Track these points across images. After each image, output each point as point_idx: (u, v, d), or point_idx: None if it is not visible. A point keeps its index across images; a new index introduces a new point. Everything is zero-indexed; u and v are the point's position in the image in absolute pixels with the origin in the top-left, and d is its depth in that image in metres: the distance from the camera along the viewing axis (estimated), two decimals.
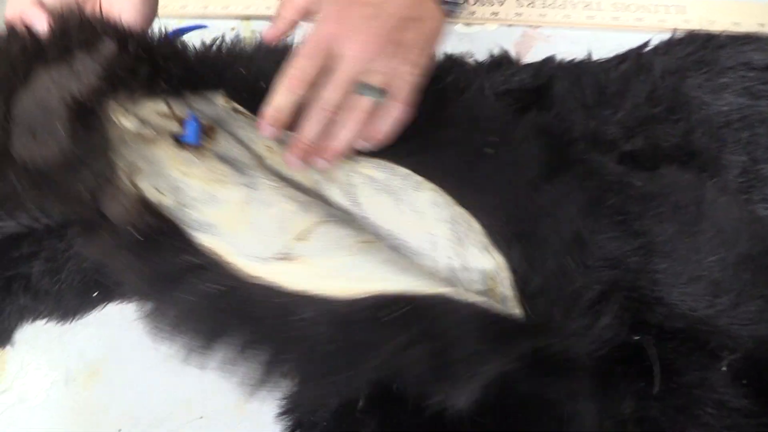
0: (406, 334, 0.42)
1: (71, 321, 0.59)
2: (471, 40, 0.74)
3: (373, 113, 0.47)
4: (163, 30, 0.52)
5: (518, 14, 0.75)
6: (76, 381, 0.57)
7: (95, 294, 0.58)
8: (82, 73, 0.43)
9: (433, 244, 0.47)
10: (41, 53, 0.44)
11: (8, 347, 0.59)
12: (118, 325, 0.59)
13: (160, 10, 0.79)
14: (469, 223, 0.48)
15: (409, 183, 0.49)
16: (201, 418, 0.52)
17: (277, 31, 0.50)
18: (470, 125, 0.53)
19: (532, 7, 0.76)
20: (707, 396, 0.47)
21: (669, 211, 0.53)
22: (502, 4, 0.76)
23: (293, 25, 0.50)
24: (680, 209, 0.53)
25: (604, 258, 0.50)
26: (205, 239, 0.45)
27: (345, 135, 0.47)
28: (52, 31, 0.45)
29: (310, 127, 0.46)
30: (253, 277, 0.44)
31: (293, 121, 0.47)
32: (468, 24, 0.76)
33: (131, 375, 0.56)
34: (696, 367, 0.48)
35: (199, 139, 0.47)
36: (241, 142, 0.50)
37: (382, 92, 0.47)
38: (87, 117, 0.43)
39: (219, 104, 0.50)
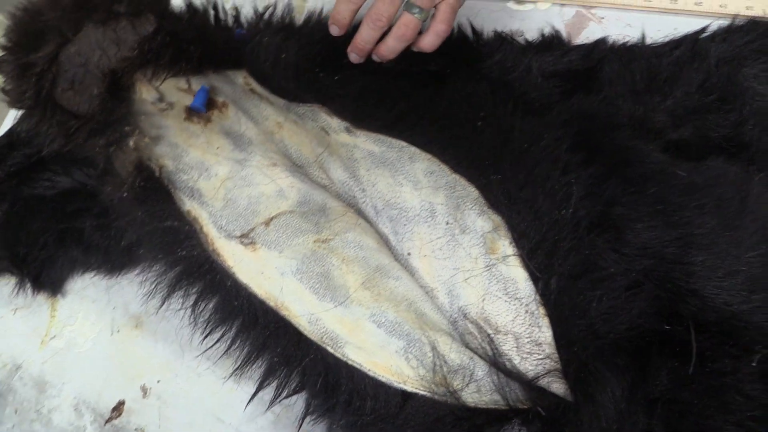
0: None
1: (118, 275, 0.63)
2: (522, 18, 0.73)
3: (417, 27, 0.56)
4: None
5: None
6: (121, 332, 0.60)
7: (141, 251, 0.61)
8: (123, 42, 0.48)
9: (431, 212, 0.48)
10: (92, 11, 0.47)
11: (59, 296, 0.63)
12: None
13: None
14: (465, 188, 0.49)
15: (405, 154, 0.50)
16: (239, 378, 0.54)
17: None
18: (462, 102, 0.55)
19: None
20: (737, 386, 0.46)
21: (711, 204, 0.52)
22: None
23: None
24: (724, 202, 0.52)
25: (640, 246, 0.50)
26: (191, 205, 0.49)
27: (392, 42, 0.56)
28: None
29: (366, 32, 0.56)
30: (215, 252, 0.48)
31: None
32: (520, 2, 0.75)
33: (171, 330, 0.59)
34: (727, 357, 0.47)
35: (204, 107, 0.51)
36: (252, 118, 0.53)
37: (425, 12, 0.55)
38: (117, 85, 0.49)
39: (238, 83, 0.53)
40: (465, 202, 0.47)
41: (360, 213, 0.49)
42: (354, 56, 0.58)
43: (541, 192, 0.46)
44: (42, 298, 0.63)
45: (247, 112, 0.52)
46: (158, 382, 0.57)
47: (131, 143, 0.49)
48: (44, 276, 0.62)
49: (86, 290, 0.63)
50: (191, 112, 0.51)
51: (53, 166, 0.61)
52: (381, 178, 0.49)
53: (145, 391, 0.57)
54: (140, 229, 0.50)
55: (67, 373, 0.59)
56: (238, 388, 0.56)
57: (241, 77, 0.53)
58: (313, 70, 0.55)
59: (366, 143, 0.50)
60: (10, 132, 0.66)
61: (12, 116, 0.77)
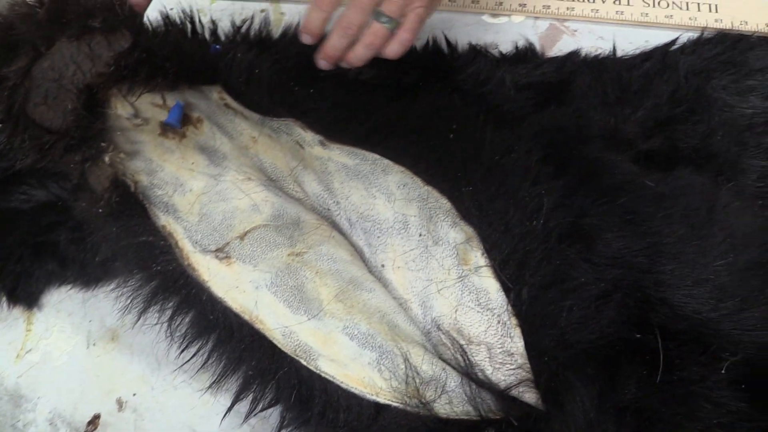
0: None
1: (94, 288, 0.62)
2: (497, 31, 0.74)
3: (386, 36, 0.57)
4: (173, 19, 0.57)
5: (546, 7, 0.75)
6: (97, 345, 0.60)
7: (116, 264, 0.61)
8: (98, 58, 0.47)
9: (405, 224, 0.49)
10: (66, 25, 0.47)
11: (35, 309, 0.63)
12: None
13: None
14: (437, 200, 0.49)
15: (378, 167, 0.51)
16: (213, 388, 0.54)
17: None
18: (434, 114, 0.56)
19: (561, 0, 0.75)
20: (705, 393, 0.47)
21: (679, 213, 0.53)
22: None
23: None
24: (691, 212, 0.53)
25: (610, 256, 0.50)
26: (165, 220, 0.49)
27: (361, 50, 0.57)
28: (79, 4, 0.48)
29: (335, 39, 0.56)
30: (191, 266, 0.48)
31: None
32: (494, 15, 0.76)
33: (147, 343, 0.58)
34: (696, 365, 0.48)
35: (179, 123, 0.51)
36: (227, 133, 0.53)
37: (393, 21, 0.56)
38: (92, 101, 0.48)
39: (213, 98, 0.54)
40: (437, 214, 0.47)
41: (334, 225, 0.50)
42: (323, 63, 0.58)
43: (512, 203, 0.46)
44: (17, 312, 0.63)
45: (222, 128, 0.53)
46: (134, 395, 0.57)
47: (106, 159, 0.49)
48: (20, 289, 0.61)
49: (62, 303, 0.62)
50: (166, 128, 0.51)
51: (29, 180, 0.61)
52: (355, 191, 0.49)
53: (120, 404, 0.57)
54: (115, 245, 0.50)
55: (42, 386, 0.59)
56: (214, 400, 0.56)
57: (215, 92, 0.53)
58: (287, 84, 0.55)
59: (340, 156, 0.51)
60: None
61: None
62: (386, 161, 0.49)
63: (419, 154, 0.49)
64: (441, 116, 0.52)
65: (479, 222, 0.46)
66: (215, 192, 0.49)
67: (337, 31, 0.56)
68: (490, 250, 0.46)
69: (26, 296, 0.62)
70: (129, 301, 0.51)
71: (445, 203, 0.47)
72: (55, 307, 0.63)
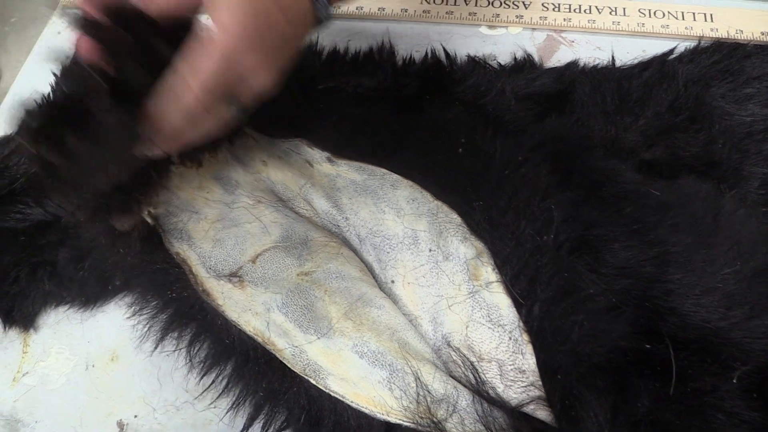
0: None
1: (92, 308, 0.61)
2: (494, 42, 0.74)
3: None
4: None
5: (543, 18, 0.75)
6: (96, 366, 0.58)
7: (117, 283, 0.60)
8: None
9: (414, 239, 0.48)
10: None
11: (32, 331, 0.61)
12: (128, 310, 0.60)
13: None
14: (447, 214, 0.49)
15: (386, 182, 0.51)
16: (215, 407, 0.53)
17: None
18: (442, 128, 0.55)
19: (557, 11, 0.75)
20: (718, 404, 0.47)
21: (685, 222, 0.53)
22: (527, 7, 0.76)
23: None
24: (697, 220, 0.53)
25: (617, 266, 0.50)
26: (179, 247, 0.49)
27: (198, 133, 0.44)
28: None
29: (179, 117, 0.42)
30: (205, 291, 0.47)
31: None
32: (492, 26, 0.76)
33: (148, 362, 0.57)
34: (707, 375, 0.48)
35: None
36: (240, 160, 0.53)
37: (243, 107, 0.44)
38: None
39: None
40: (448, 229, 0.47)
41: (344, 242, 0.49)
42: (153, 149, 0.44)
43: (523, 218, 0.46)
44: (13, 334, 0.61)
45: (236, 155, 0.53)
46: (135, 417, 0.56)
47: (143, 210, 0.49)
48: (16, 311, 0.60)
49: (60, 324, 0.61)
50: (184, 157, 0.50)
51: (24, 198, 0.60)
52: (363, 206, 0.49)
53: (122, 426, 0.55)
54: (129, 273, 0.49)
55: (40, 410, 0.57)
56: (217, 419, 0.55)
57: None
58: (290, 103, 0.55)
59: (348, 172, 0.50)
60: None
61: None
62: (395, 176, 0.49)
63: (428, 169, 0.49)
64: (448, 130, 0.52)
65: (490, 237, 0.46)
66: (229, 219, 0.49)
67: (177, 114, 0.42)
68: (501, 266, 0.45)
69: (22, 318, 0.61)
70: (146, 329, 0.51)
71: (455, 218, 0.47)
72: (53, 328, 0.61)
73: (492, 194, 0.47)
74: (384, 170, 0.50)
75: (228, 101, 0.42)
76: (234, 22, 0.40)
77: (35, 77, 0.80)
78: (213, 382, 0.50)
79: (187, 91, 0.40)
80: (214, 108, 0.42)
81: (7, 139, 0.67)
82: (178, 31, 0.43)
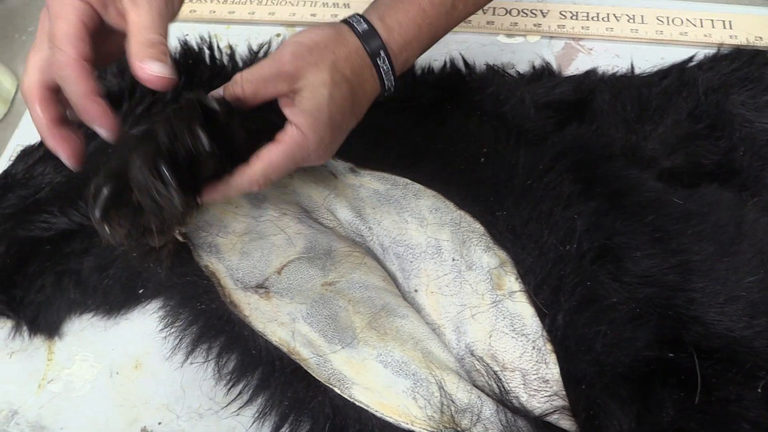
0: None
1: (116, 316, 0.62)
2: (513, 51, 0.75)
3: None
4: None
5: (561, 26, 0.75)
6: (120, 374, 0.59)
7: (140, 291, 0.60)
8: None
9: (437, 249, 0.48)
10: None
11: (56, 338, 0.62)
12: (160, 321, 0.61)
13: (210, 16, 0.82)
14: (470, 224, 0.49)
15: (409, 191, 0.51)
16: (238, 415, 0.54)
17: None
18: (464, 138, 0.55)
19: (575, 19, 0.76)
20: (743, 413, 0.46)
21: (708, 230, 0.53)
22: (545, 16, 0.76)
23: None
24: (720, 228, 0.53)
25: (640, 275, 0.50)
26: (208, 260, 0.50)
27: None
28: None
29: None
30: (232, 303, 0.48)
31: None
32: (510, 35, 0.76)
33: (172, 370, 0.58)
34: (732, 384, 0.47)
35: None
36: None
37: None
38: None
39: None
40: (471, 239, 0.47)
41: (367, 251, 0.50)
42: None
43: (546, 227, 0.46)
44: (39, 341, 0.62)
45: None
46: (159, 424, 0.56)
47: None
48: (41, 318, 0.61)
49: (84, 332, 0.62)
50: None
51: (49, 208, 0.61)
52: (387, 216, 0.49)
53: None
54: (160, 285, 0.50)
55: (65, 417, 0.58)
56: (240, 427, 0.55)
57: None
58: None
59: (371, 182, 0.51)
60: (6, 173, 0.65)
61: (9, 150, 0.76)
62: (417, 186, 0.49)
63: (450, 178, 0.49)
64: (471, 140, 0.52)
65: (513, 246, 0.46)
66: (255, 231, 0.49)
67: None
68: (524, 275, 0.45)
69: (47, 325, 0.61)
70: (178, 341, 0.52)
71: (478, 227, 0.47)
72: (77, 336, 0.62)
73: (515, 204, 0.47)
74: (407, 180, 0.50)
75: None
76: (310, 131, 0.44)
77: None
78: (240, 392, 0.50)
79: (252, 178, 0.44)
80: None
81: (31, 149, 0.68)
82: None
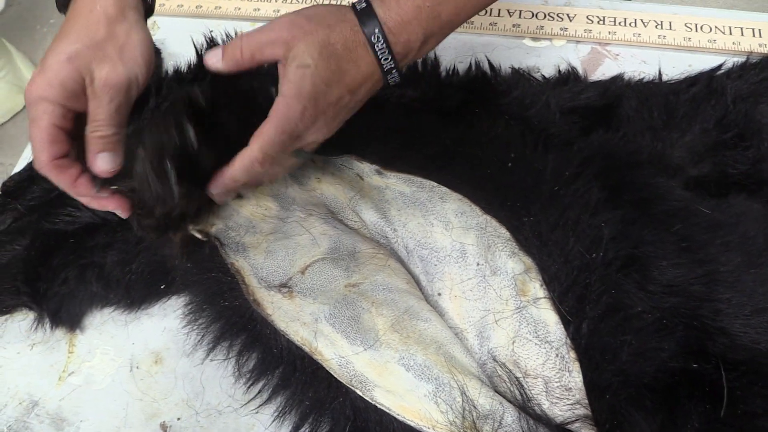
0: None
1: (137, 311, 0.62)
2: (538, 54, 0.74)
3: None
4: None
5: (587, 31, 0.74)
6: (140, 368, 0.59)
7: (162, 286, 0.61)
8: None
9: (462, 253, 0.48)
10: None
11: (77, 331, 0.62)
12: (180, 317, 0.61)
13: (234, 13, 0.82)
14: (496, 229, 0.49)
15: (435, 194, 0.51)
16: (257, 413, 0.54)
17: (224, 64, 0.48)
18: (491, 142, 0.55)
19: (602, 24, 0.75)
20: None
21: (736, 241, 0.52)
22: (571, 20, 0.75)
23: (240, 67, 0.48)
24: (748, 240, 0.53)
25: (665, 284, 0.50)
26: (234, 258, 0.50)
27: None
28: None
29: (244, 176, 0.48)
30: (255, 301, 0.49)
31: None
32: (535, 38, 0.75)
33: (191, 366, 0.58)
34: (758, 398, 0.47)
35: None
36: (297, 179, 0.55)
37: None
38: None
39: None
40: (496, 243, 0.47)
41: (391, 253, 0.50)
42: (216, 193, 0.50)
43: (572, 235, 0.46)
44: (60, 334, 0.62)
45: (293, 174, 0.54)
46: (178, 419, 0.56)
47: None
48: (63, 311, 0.61)
49: (105, 325, 0.62)
50: None
51: (74, 201, 0.61)
52: (412, 218, 0.49)
53: (165, 429, 0.56)
54: (187, 278, 0.50)
55: (85, 410, 0.58)
56: (259, 425, 0.55)
57: None
58: None
59: (397, 184, 0.51)
60: (30, 166, 0.66)
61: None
62: (444, 189, 0.49)
63: (477, 182, 0.49)
64: (498, 144, 0.52)
65: (539, 253, 0.46)
66: (281, 231, 0.50)
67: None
68: (549, 282, 0.45)
69: (69, 318, 0.62)
70: (199, 338, 0.52)
71: (504, 232, 0.47)
72: (98, 329, 0.62)
73: (542, 210, 0.47)
74: (433, 183, 0.50)
75: (289, 154, 0.48)
76: (293, 100, 0.46)
77: None
78: (260, 390, 0.50)
79: (251, 156, 0.47)
80: (276, 161, 0.48)
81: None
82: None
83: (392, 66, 0.48)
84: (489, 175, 0.49)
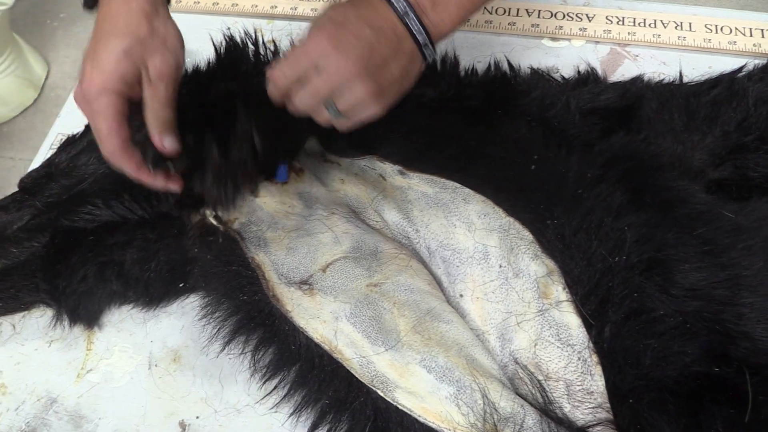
0: None
1: (155, 309, 0.62)
2: (557, 55, 0.74)
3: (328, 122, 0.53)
4: None
5: (607, 31, 0.74)
6: (159, 366, 0.59)
7: (180, 285, 0.61)
8: None
9: (485, 255, 0.48)
10: None
11: (96, 329, 0.63)
12: (199, 316, 0.61)
13: (252, 10, 0.82)
14: (519, 231, 0.49)
15: (458, 195, 0.51)
16: (276, 411, 0.54)
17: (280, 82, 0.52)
18: (515, 144, 0.55)
19: (622, 24, 0.75)
20: None
21: (759, 245, 0.52)
22: (590, 20, 0.75)
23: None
24: None
25: (688, 287, 0.49)
26: (255, 253, 0.51)
27: (298, 106, 0.52)
28: None
29: (284, 83, 0.51)
30: (275, 297, 0.49)
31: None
32: (554, 38, 0.75)
33: (210, 364, 0.58)
34: None
35: (287, 177, 0.55)
36: (320, 180, 0.56)
37: (341, 114, 0.50)
38: None
39: (314, 150, 0.57)
40: (519, 246, 0.46)
41: (413, 253, 0.50)
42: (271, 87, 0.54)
43: (595, 238, 0.46)
44: (78, 331, 0.63)
45: (318, 175, 0.55)
46: (197, 418, 0.57)
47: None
48: (82, 308, 0.61)
49: (123, 323, 0.62)
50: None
51: (93, 199, 0.61)
52: (434, 219, 0.49)
53: (184, 427, 0.56)
54: (207, 270, 0.51)
55: (103, 407, 0.59)
56: (278, 424, 0.55)
57: (314, 143, 0.56)
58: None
59: (419, 184, 0.50)
60: (50, 162, 0.66)
61: (50, 138, 0.77)
62: (467, 190, 0.49)
63: (501, 184, 0.49)
64: (521, 146, 0.51)
65: (561, 256, 0.45)
66: (304, 229, 0.50)
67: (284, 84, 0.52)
68: (571, 285, 0.45)
69: (88, 315, 0.62)
70: (216, 331, 0.52)
71: (527, 235, 0.47)
72: (116, 327, 0.62)
73: (565, 213, 0.46)
74: (456, 184, 0.50)
75: (325, 105, 0.50)
76: (314, 28, 0.49)
77: None
78: (276, 387, 0.50)
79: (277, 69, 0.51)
80: (316, 108, 0.50)
81: (74, 140, 0.69)
82: None
83: (427, 42, 0.50)
84: (512, 176, 0.49)
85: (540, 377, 0.45)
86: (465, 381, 0.44)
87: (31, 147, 1.78)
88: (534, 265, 0.46)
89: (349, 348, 0.45)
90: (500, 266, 0.47)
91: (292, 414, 0.49)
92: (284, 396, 0.51)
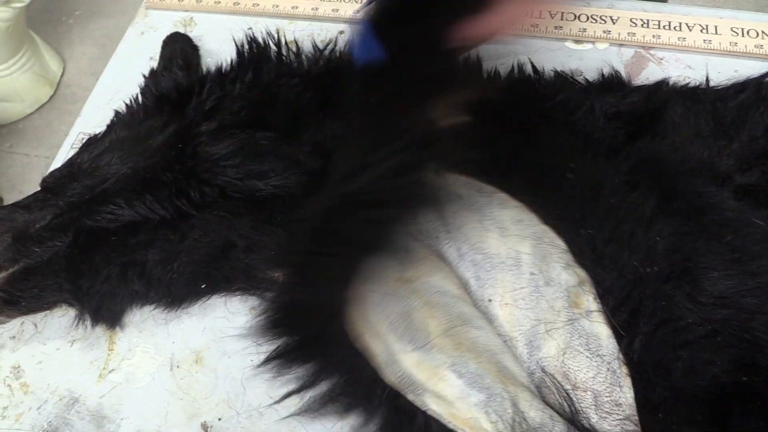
0: None
1: (177, 309, 0.62)
2: (580, 57, 0.73)
3: None
4: None
5: (631, 34, 0.73)
6: (181, 367, 0.59)
7: (203, 286, 0.61)
8: None
9: (517, 261, 0.47)
10: None
11: (118, 329, 0.63)
12: (221, 317, 0.61)
13: (273, 11, 0.82)
14: (552, 240, 0.48)
15: (494, 200, 0.50)
16: (299, 413, 0.54)
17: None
18: (553, 151, 0.54)
19: (646, 27, 0.74)
20: None
21: None
22: (614, 23, 0.74)
23: None
24: None
25: (717, 295, 0.49)
26: None
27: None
28: None
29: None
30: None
31: None
32: (578, 41, 0.74)
33: (232, 366, 0.58)
34: None
35: None
36: None
37: None
38: None
39: None
40: (551, 254, 0.46)
41: (442, 255, 0.49)
42: None
43: (627, 248, 0.45)
44: (100, 331, 0.63)
45: None
46: (219, 419, 0.57)
47: None
48: (104, 309, 0.61)
49: (145, 323, 0.62)
50: None
51: (116, 199, 0.61)
52: (467, 222, 0.48)
53: (206, 429, 0.56)
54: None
55: (125, 408, 0.59)
56: (300, 426, 0.55)
57: None
58: None
59: (455, 185, 0.50)
60: (72, 162, 0.66)
61: (71, 137, 0.77)
62: (503, 195, 0.48)
63: (537, 191, 0.48)
64: (559, 154, 0.51)
65: (593, 265, 0.45)
66: None
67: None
68: (602, 295, 0.45)
69: (110, 315, 0.62)
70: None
71: (560, 244, 0.46)
72: (138, 327, 0.62)
73: (597, 222, 0.46)
74: (492, 188, 0.49)
75: None
76: None
77: (120, 77, 0.81)
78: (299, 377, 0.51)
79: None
80: None
81: (96, 139, 0.69)
82: None
83: None
84: (549, 184, 0.49)
85: (567, 386, 0.45)
86: (495, 389, 0.44)
87: (47, 144, 1.79)
88: (565, 275, 0.46)
89: (375, 340, 0.45)
90: (531, 273, 0.46)
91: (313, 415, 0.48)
92: (308, 387, 0.51)
